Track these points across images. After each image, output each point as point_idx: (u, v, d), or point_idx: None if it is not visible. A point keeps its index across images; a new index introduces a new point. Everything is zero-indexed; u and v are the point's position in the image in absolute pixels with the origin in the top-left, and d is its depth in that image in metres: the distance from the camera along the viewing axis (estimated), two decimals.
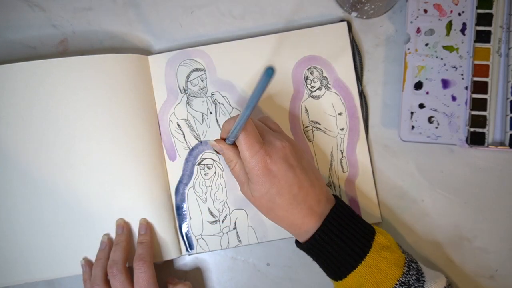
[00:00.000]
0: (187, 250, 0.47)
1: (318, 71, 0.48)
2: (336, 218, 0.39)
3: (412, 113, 0.46)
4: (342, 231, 0.38)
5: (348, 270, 0.38)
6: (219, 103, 0.48)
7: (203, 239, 0.47)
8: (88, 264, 0.45)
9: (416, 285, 0.38)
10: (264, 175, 0.38)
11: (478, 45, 0.46)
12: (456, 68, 0.46)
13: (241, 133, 0.39)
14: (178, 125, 0.48)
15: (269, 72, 0.27)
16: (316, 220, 0.39)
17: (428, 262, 0.47)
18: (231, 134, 0.39)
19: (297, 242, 0.42)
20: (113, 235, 0.46)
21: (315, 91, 0.48)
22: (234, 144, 0.41)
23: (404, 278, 0.38)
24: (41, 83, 0.46)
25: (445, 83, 0.46)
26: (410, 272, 0.38)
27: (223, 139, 0.42)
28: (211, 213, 0.47)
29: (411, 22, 0.46)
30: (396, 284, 0.37)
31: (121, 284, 0.42)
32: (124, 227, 0.45)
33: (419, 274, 0.39)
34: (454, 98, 0.46)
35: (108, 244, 0.45)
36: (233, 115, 0.45)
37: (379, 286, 0.38)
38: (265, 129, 0.41)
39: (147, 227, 0.45)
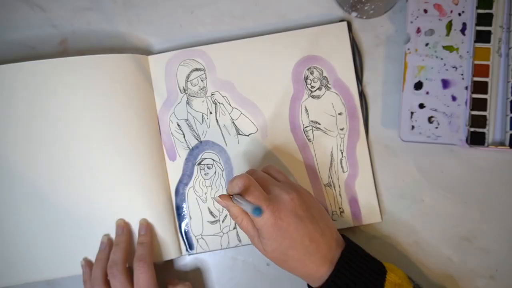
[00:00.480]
0: (187, 250, 0.47)
1: (318, 71, 0.48)
2: (347, 261, 0.39)
3: (412, 113, 0.46)
4: (354, 274, 0.38)
5: None
6: (219, 103, 0.48)
7: (203, 239, 0.47)
8: (88, 264, 0.45)
9: None
10: (275, 231, 0.38)
11: (478, 45, 0.46)
12: (456, 68, 0.46)
13: (246, 195, 0.38)
14: (178, 125, 0.48)
15: (256, 212, 0.33)
16: (328, 266, 0.39)
17: (428, 262, 0.47)
18: (235, 201, 0.39)
19: (309, 286, 0.41)
20: (113, 235, 0.46)
21: (315, 91, 0.48)
22: None
23: None
24: (41, 83, 0.46)
25: (445, 83, 0.46)
26: None
27: (229, 195, 0.41)
28: (211, 213, 0.47)
29: (411, 22, 0.46)
30: None
31: (121, 285, 0.42)
32: (124, 227, 0.45)
33: None
34: (454, 98, 0.46)
35: (108, 245, 0.45)
36: (236, 174, 0.44)
37: None
38: (270, 181, 0.41)
39: (147, 228, 0.45)
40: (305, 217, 0.39)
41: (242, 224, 0.40)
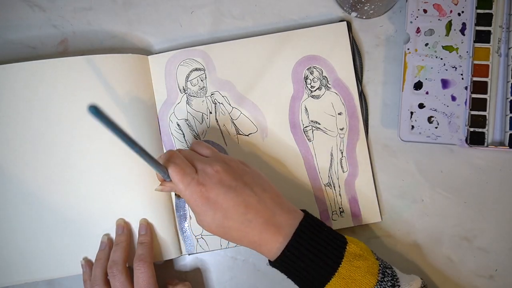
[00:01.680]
0: (187, 250, 0.47)
1: (318, 71, 0.48)
2: (305, 231, 0.38)
3: (411, 113, 0.46)
4: (312, 245, 0.37)
5: (322, 283, 0.37)
6: (218, 103, 0.48)
7: (203, 238, 0.47)
8: (88, 264, 0.45)
9: None
10: (204, 205, 0.38)
11: (478, 45, 0.46)
12: (456, 68, 0.46)
13: (169, 169, 0.38)
14: (178, 125, 0.48)
15: (91, 110, 0.26)
16: (277, 235, 0.38)
17: (427, 262, 0.47)
18: (159, 174, 0.38)
19: (269, 260, 0.40)
20: (113, 235, 0.46)
21: (315, 91, 0.48)
22: None
23: (379, 286, 0.37)
24: (41, 83, 0.46)
25: (445, 83, 0.46)
26: (385, 279, 0.38)
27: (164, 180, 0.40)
28: None
29: (411, 22, 0.46)
30: None
31: (121, 284, 0.42)
32: (124, 227, 0.45)
33: (394, 279, 0.38)
34: (453, 98, 0.46)
35: (108, 244, 0.45)
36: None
37: None
38: (196, 158, 0.40)
39: (147, 227, 0.45)
40: (235, 186, 0.38)
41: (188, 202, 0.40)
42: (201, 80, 0.48)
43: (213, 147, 0.43)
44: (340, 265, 0.37)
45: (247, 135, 0.48)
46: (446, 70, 0.46)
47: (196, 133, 0.48)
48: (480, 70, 0.45)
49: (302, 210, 0.40)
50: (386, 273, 0.38)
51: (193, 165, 0.39)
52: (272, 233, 0.38)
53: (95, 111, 0.26)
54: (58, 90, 0.46)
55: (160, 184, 0.40)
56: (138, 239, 0.45)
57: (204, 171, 0.38)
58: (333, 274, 0.37)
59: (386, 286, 0.37)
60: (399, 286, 0.38)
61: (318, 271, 0.37)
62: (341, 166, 0.48)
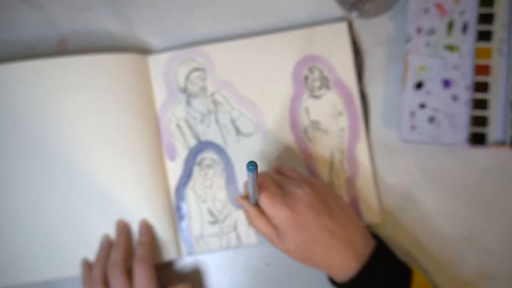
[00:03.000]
0: (187, 250, 0.47)
1: (318, 71, 0.48)
2: (380, 256, 0.39)
3: (412, 113, 0.46)
4: (385, 270, 0.38)
5: None
6: (219, 103, 0.48)
7: (203, 239, 0.47)
8: (87, 265, 0.45)
9: None
10: (293, 228, 0.38)
11: (479, 44, 0.45)
12: (457, 68, 0.45)
13: (260, 194, 0.38)
14: (178, 125, 0.48)
15: (250, 167, 0.32)
16: (354, 260, 0.38)
17: (428, 263, 0.47)
18: (251, 199, 0.39)
19: (331, 280, 0.41)
20: (113, 236, 0.46)
21: (315, 91, 0.48)
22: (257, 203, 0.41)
23: None
24: (41, 83, 0.46)
25: (446, 83, 0.46)
26: None
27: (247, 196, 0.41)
28: (211, 213, 0.47)
29: (412, 21, 0.46)
30: None
31: (121, 285, 0.42)
32: (124, 227, 0.45)
33: None
34: (455, 98, 0.45)
35: (108, 245, 0.45)
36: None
37: None
38: (283, 180, 0.41)
39: (147, 228, 0.45)
40: (322, 210, 0.39)
41: (260, 227, 0.40)
42: (201, 80, 0.48)
43: (296, 169, 0.43)
44: None
45: (247, 135, 0.48)
46: (447, 70, 0.46)
47: (196, 133, 0.48)
48: (481, 70, 0.45)
49: (374, 235, 0.41)
50: None
51: (280, 186, 0.40)
52: (353, 260, 0.38)
53: (253, 168, 0.32)
54: (58, 90, 0.46)
55: (242, 198, 0.41)
56: (137, 240, 0.45)
57: (293, 194, 0.39)
58: None
59: None
60: None
61: None
62: (342, 167, 0.47)
